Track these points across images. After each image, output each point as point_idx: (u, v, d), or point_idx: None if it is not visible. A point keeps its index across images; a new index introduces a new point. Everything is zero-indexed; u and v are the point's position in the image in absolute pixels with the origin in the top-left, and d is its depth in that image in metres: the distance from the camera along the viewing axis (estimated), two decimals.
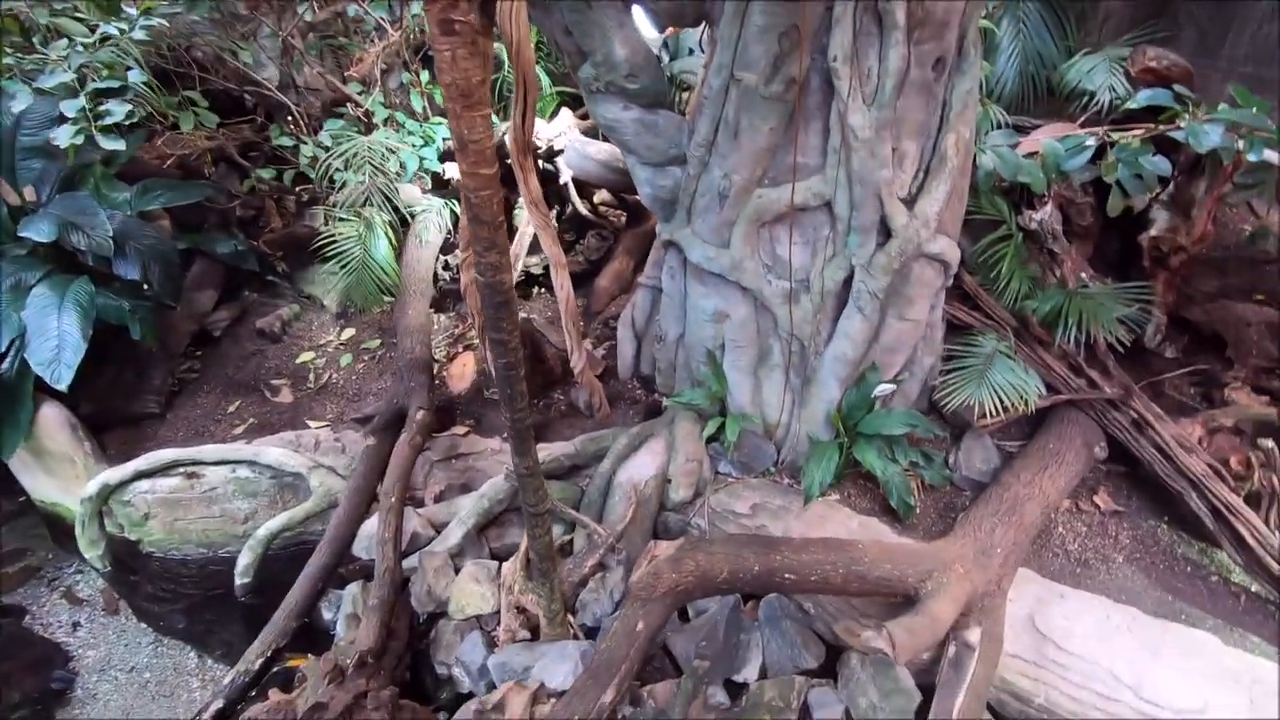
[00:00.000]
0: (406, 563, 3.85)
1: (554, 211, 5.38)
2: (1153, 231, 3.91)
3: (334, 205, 4.77)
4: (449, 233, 5.56)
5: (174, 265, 4.70)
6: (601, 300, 5.22)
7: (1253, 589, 3.17)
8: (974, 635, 2.96)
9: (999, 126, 4.05)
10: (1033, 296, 3.84)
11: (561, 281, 3.68)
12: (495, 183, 1.87)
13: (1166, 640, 2.97)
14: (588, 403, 4.38)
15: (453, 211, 5.50)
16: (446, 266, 5.60)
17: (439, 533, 3.98)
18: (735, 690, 3.36)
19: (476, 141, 1.76)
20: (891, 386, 3.49)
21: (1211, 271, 4.53)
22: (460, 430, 4.47)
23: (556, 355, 4.88)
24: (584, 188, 5.38)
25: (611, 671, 2.58)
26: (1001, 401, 3.56)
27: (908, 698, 3.08)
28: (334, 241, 4.85)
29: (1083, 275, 3.84)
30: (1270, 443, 3.02)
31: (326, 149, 4.74)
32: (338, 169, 4.64)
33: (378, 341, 5.26)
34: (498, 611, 3.45)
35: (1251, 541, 2.99)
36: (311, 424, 4.65)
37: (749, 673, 3.36)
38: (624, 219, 5.50)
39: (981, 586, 2.97)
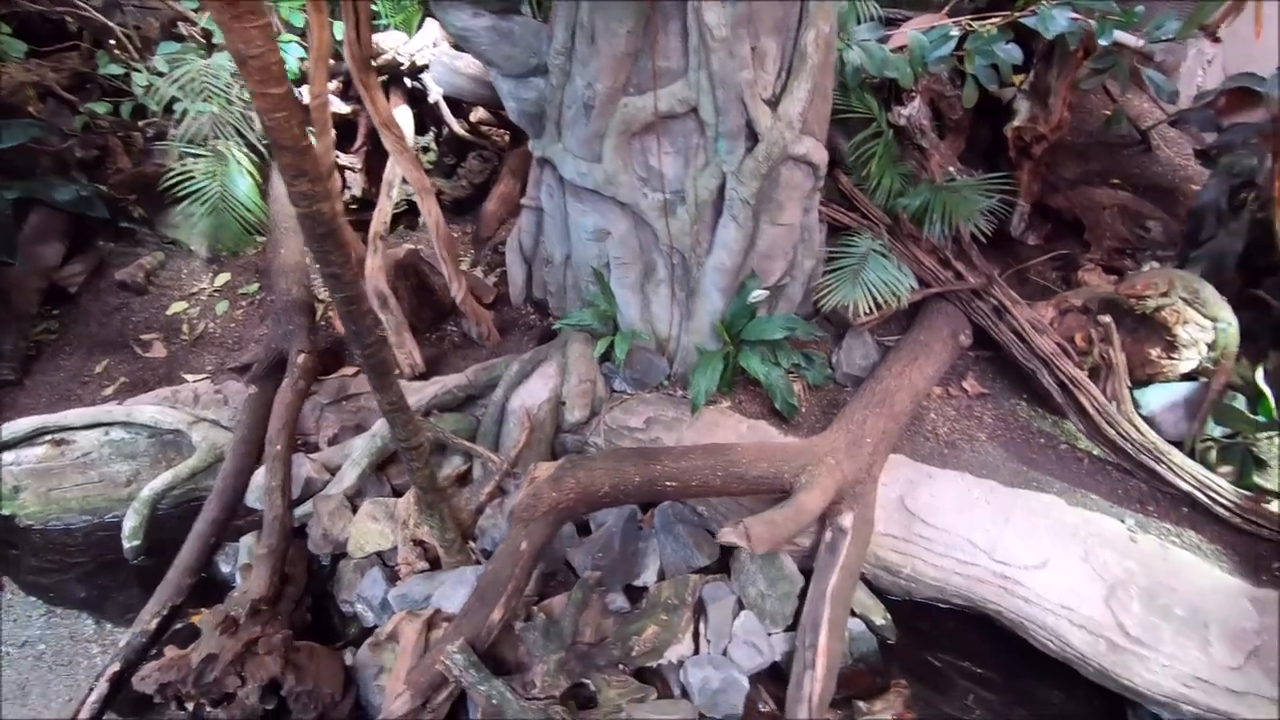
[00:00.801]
0: (304, 508, 3.81)
1: (430, 134, 5.09)
2: (1015, 122, 4.01)
3: (178, 139, 4.36)
4: None
5: (4, 216, 4.25)
6: (490, 225, 5.05)
7: (1095, 453, 3.48)
8: (847, 520, 3.16)
9: (867, 20, 3.99)
10: (906, 194, 3.92)
11: (429, 208, 3.52)
12: (290, 103, 1.72)
13: (1017, 506, 3.25)
14: (479, 332, 4.31)
15: None
16: None
17: (335, 475, 3.92)
18: (636, 594, 3.53)
19: (256, 56, 1.59)
20: (765, 292, 3.55)
21: (1073, 158, 4.72)
22: (349, 371, 4.34)
23: (446, 286, 4.75)
24: (459, 106, 5.08)
25: (498, 590, 2.65)
26: (876, 299, 3.68)
27: (791, 582, 3.31)
28: (185, 179, 4.46)
29: (950, 170, 3.93)
30: (1108, 318, 3.25)
31: (161, 75, 4.28)
32: (177, 97, 4.21)
33: (256, 285, 4.98)
34: (397, 547, 3.47)
35: (1091, 411, 3.26)
36: (189, 377, 4.42)
37: (648, 577, 3.53)
38: (507, 138, 5.25)
39: (852, 475, 3.16)
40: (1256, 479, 3.22)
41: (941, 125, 4.22)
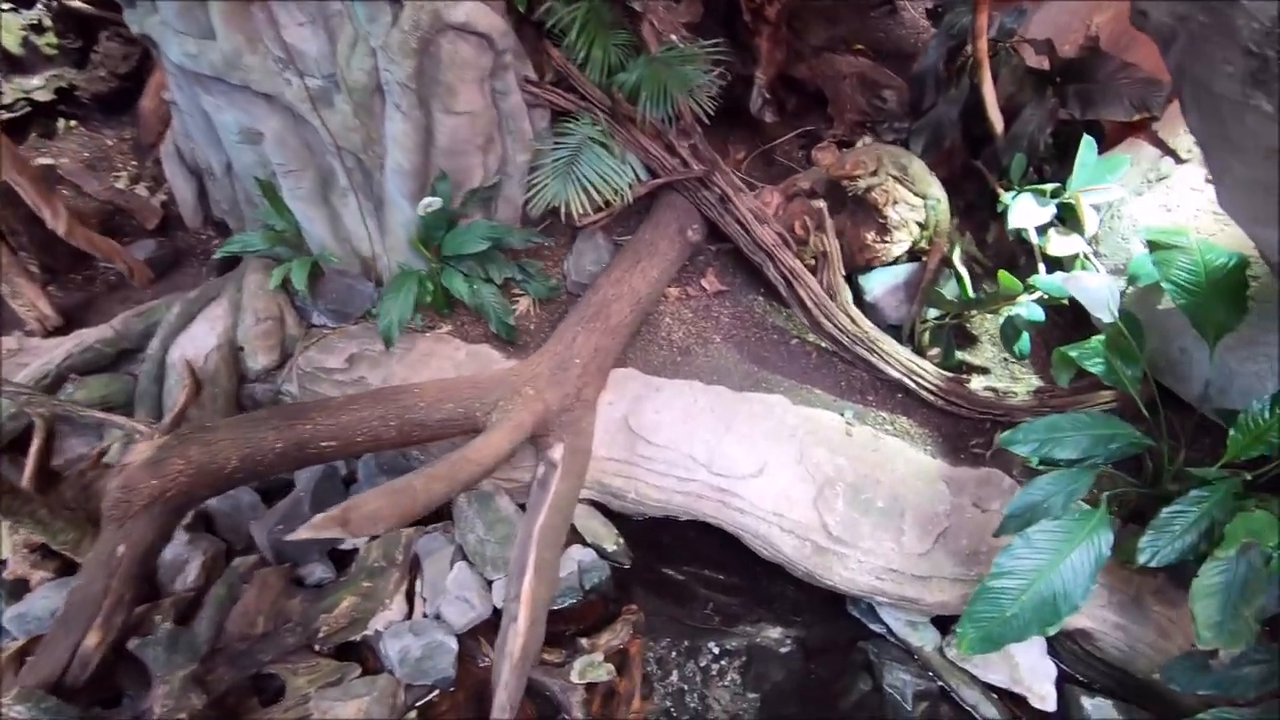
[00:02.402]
0: None
1: (38, 6, 3.87)
2: None
3: None
4: None
5: None
6: (152, 128, 4.02)
7: (823, 345, 3.37)
8: (557, 452, 2.86)
9: None
10: (626, 69, 3.41)
11: None
12: None
13: (740, 412, 3.08)
14: (125, 270, 3.46)
15: None
16: None
17: None
18: (348, 559, 3.13)
19: None
20: (436, 200, 2.98)
21: (822, 23, 4.36)
22: None
23: (100, 210, 3.78)
24: None
25: (90, 610, 2.12)
26: (590, 195, 3.23)
27: (510, 524, 3.01)
28: None
29: (673, 38, 3.44)
30: (820, 203, 3.02)
31: None
32: None
33: None
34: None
35: (810, 304, 3.09)
36: None
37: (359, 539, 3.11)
38: None
39: (558, 403, 2.82)
40: (967, 356, 3.24)
41: None
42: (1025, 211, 2.68)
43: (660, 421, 3.07)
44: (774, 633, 3.14)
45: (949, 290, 3.01)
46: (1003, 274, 2.71)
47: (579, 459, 2.87)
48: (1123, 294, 2.58)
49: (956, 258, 2.96)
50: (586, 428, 2.93)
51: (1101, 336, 2.35)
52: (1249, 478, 2.18)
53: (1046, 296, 2.66)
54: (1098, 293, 2.13)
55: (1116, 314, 2.11)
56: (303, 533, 1.86)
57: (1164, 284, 2.18)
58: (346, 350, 3.34)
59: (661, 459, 3.00)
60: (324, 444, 2.45)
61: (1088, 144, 2.63)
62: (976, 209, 3.64)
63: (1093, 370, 2.26)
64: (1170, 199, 2.55)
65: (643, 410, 3.11)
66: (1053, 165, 3.29)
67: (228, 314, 3.25)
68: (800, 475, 2.90)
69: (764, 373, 3.32)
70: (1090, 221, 2.60)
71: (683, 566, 3.32)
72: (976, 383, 2.99)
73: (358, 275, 3.46)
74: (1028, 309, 2.68)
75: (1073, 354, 2.29)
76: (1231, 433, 2.15)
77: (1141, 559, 2.21)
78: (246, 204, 3.47)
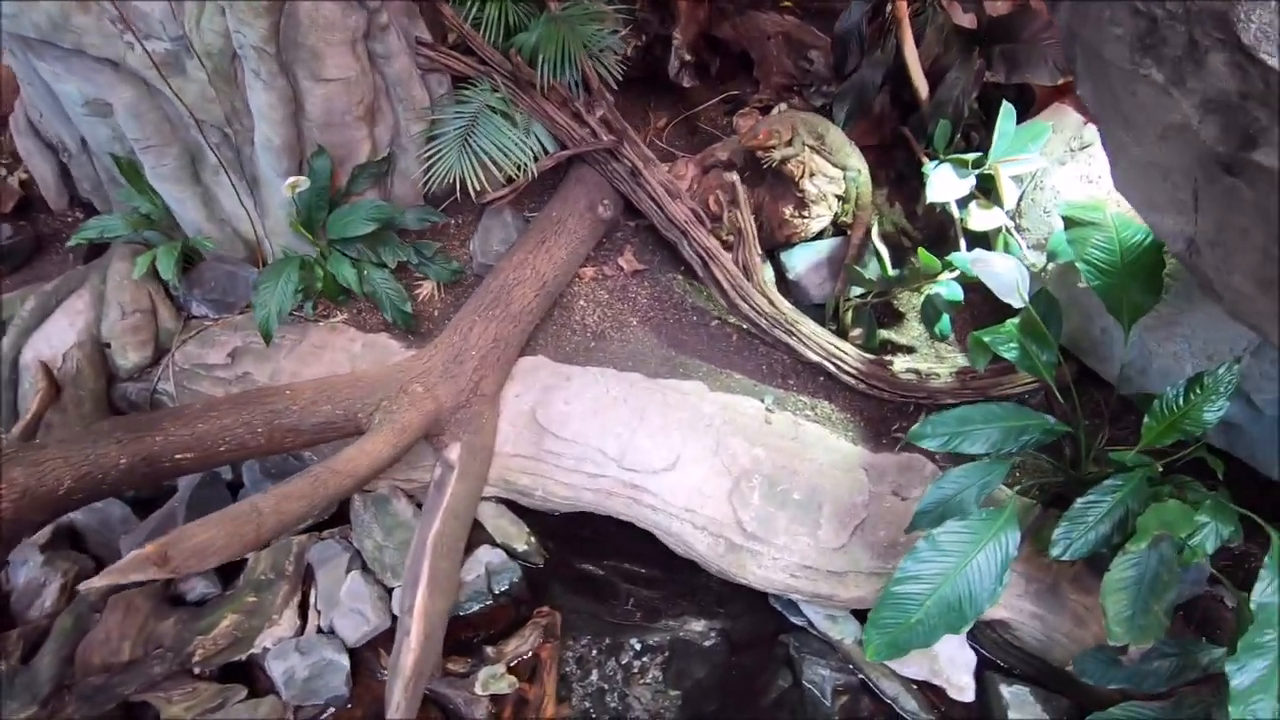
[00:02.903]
0: None
1: None
2: None
3: None
4: None
5: None
6: (11, 93, 3.61)
7: (744, 327, 3.20)
8: (454, 452, 2.66)
9: None
10: (527, 29, 3.12)
11: None
12: None
13: (655, 402, 2.91)
14: None
15: None
16: None
17: None
18: (238, 570, 2.90)
19: None
20: (304, 180, 2.69)
21: None
22: None
23: None
24: None
25: None
26: (490, 170, 2.98)
27: (409, 529, 2.81)
28: None
29: None
30: (733, 176, 2.82)
31: None
32: None
33: None
34: None
35: (725, 285, 2.90)
36: None
37: None
38: None
39: (451, 400, 2.61)
40: (892, 335, 3.11)
41: None
42: (944, 184, 2.52)
43: (570, 413, 2.89)
44: (697, 626, 3.02)
45: (870, 268, 2.85)
46: (922, 252, 2.55)
47: (478, 459, 2.67)
48: (1043, 271, 2.45)
49: (875, 234, 2.79)
50: (487, 424, 2.73)
51: (1016, 319, 2.21)
52: (1160, 467, 2.09)
53: (966, 275, 2.52)
54: (1005, 276, 1.98)
55: (1027, 298, 1.97)
56: (101, 580, 1.63)
57: (1078, 264, 2.04)
58: (229, 344, 3.07)
59: (570, 454, 2.82)
60: (179, 457, 2.21)
61: (1006, 112, 2.47)
62: (907, 178, 3.47)
63: (1006, 356, 2.13)
64: (1092, 169, 2.40)
65: (551, 402, 2.92)
66: (980, 132, 3.12)
67: (90, 307, 2.95)
68: (716, 468, 2.75)
69: (682, 357, 3.14)
70: (1010, 194, 2.44)
71: (603, 561, 3.16)
72: (900, 364, 2.85)
73: (241, 261, 3.17)
74: (947, 288, 2.53)
75: (985, 339, 2.16)
76: (1146, 419, 2.04)
77: (1054, 552, 2.11)
78: (111, 184, 3.13)
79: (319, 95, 2.62)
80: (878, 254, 2.72)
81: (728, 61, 3.90)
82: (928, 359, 3.06)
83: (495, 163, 2.97)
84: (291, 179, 2.62)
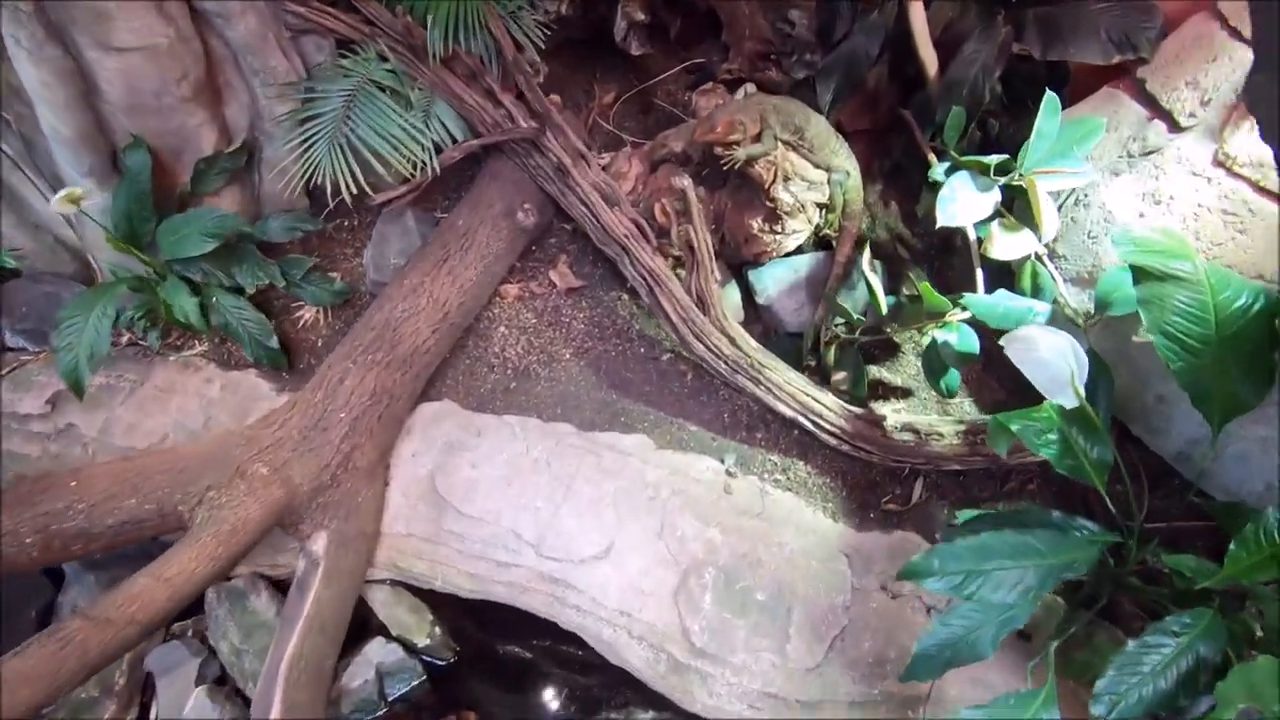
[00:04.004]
0: None
1: None
2: None
3: None
4: None
5: None
6: None
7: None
8: (319, 543, 2.05)
9: None
10: None
11: None
12: None
13: (587, 464, 2.31)
14: None
15: None
16: None
17: None
18: None
19: None
20: (84, 193, 1.99)
21: None
22: None
23: None
24: None
25: None
26: (370, 164, 2.30)
27: (270, 630, 2.24)
28: None
29: None
30: (684, 181, 2.17)
31: None
32: None
33: None
34: None
35: (675, 317, 2.28)
36: None
37: None
38: None
39: (310, 480, 2.00)
40: (883, 373, 2.51)
41: None
42: (959, 201, 1.89)
43: (478, 481, 2.29)
44: (644, 718, 2.51)
45: (855, 298, 2.23)
46: (925, 287, 1.94)
47: (353, 550, 2.07)
48: (1088, 321, 1.85)
49: (865, 261, 2.17)
50: (365, 504, 2.12)
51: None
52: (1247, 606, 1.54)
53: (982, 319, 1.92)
54: (1054, 366, 1.38)
55: (1083, 393, 1.38)
56: None
57: (1153, 336, 1.45)
58: (49, 386, 2.42)
59: (476, 536, 2.23)
60: None
61: (1049, 105, 1.83)
62: (905, 171, 2.83)
63: (1044, 454, 1.55)
64: (1160, 186, 1.78)
65: (456, 466, 2.32)
66: (1001, 120, 2.48)
67: None
68: (659, 556, 2.18)
69: (624, 401, 2.54)
70: (1050, 221, 1.82)
71: (530, 641, 2.61)
72: (893, 417, 2.26)
73: (66, 279, 2.50)
74: (958, 335, 1.94)
75: (1014, 427, 1.57)
76: (1233, 547, 1.48)
77: (1097, 711, 1.57)
78: None
79: (113, 70, 1.92)
80: (869, 288, 2.11)
81: (691, 22, 3.17)
82: (927, 407, 2.48)
83: (379, 156, 2.30)
84: (64, 192, 1.93)
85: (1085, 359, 1.39)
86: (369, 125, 2.28)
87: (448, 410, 2.45)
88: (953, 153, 2.27)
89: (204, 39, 2.11)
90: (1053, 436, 1.55)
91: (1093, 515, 1.78)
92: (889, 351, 2.58)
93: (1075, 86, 2.42)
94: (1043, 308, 1.78)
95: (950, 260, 2.83)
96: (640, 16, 2.89)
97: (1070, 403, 1.37)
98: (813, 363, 2.53)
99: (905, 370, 2.58)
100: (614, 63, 3.17)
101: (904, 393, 2.53)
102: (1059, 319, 1.78)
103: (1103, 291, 1.72)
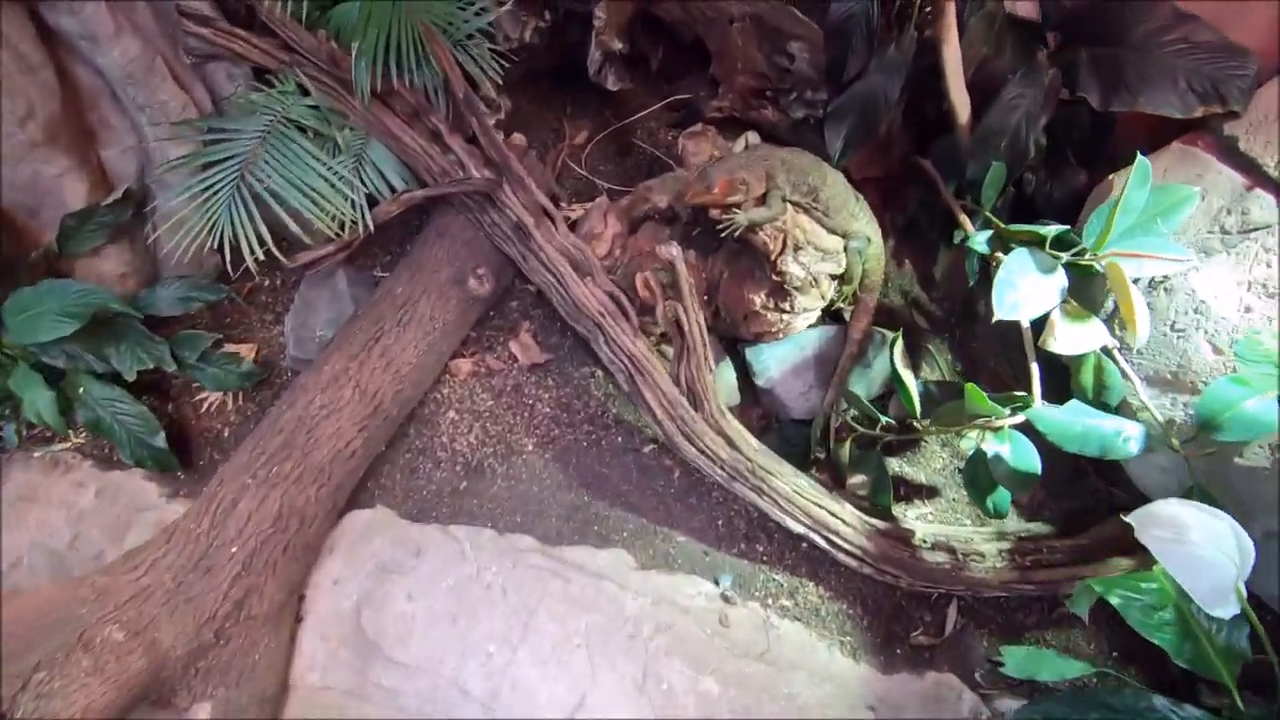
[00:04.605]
0: None
1: None
2: None
3: None
4: None
5: None
6: None
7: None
8: (202, 713, 1.60)
9: None
10: None
11: None
12: None
13: (552, 592, 1.87)
14: None
15: None
16: None
17: None
18: None
19: None
20: None
21: None
22: None
23: None
24: None
25: None
26: (261, 226, 1.86)
27: None
28: None
29: None
30: (674, 250, 1.77)
31: None
32: None
33: None
34: None
35: (661, 413, 1.87)
36: None
37: None
38: None
39: (185, 643, 1.53)
40: (904, 467, 2.12)
41: None
42: (1022, 291, 1.50)
43: (415, 617, 1.84)
44: None
45: (871, 378, 1.84)
46: (971, 389, 1.56)
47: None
48: (1178, 440, 1.47)
49: (898, 354, 1.78)
50: (266, 660, 1.65)
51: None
52: None
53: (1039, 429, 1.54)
54: (1213, 566, 1.00)
55: (1245, 598, 1.01)
56: None
57: None
58: None
59: (411, 690, 1.78)
60: None
61: (1140, 173, 1.46)
62: (919, 227, 2.48)
63: (1157, 639, 1.17)
64: (1274, 274, 1.43)
65: (388, 596, 1.86)
66: (1038, 175, 2.14)
67: None
68: (641, 710, 1.75)
69: (599, 505, 2.11)
70: (1141, 318, 1.43)
71: None
72: (921, 529, 1.87)
73: None
74: (1013, 449, 1.56)
75: (1114, 600, 1.19)
76: None
77: None
78: None
79: None
80: (900, 379, 1.72)
81: (675, 53, 2.81)
82: (957, 509, 2.10)
83: (294, 212, 1.86)
84: None
85: (1250, 547, 1.01)
86: (283, 174, 1.84)
87: (381, 521, 2.00)
88: (991, 216, 1.91)
89: (63, 68, 1.67)
90: (1168, 617, 1.17)
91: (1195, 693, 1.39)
92: (909, 442, 2.20)
93: (1121, 134, 2.10)
94: (1134, 430, 1.41)
95: (973, 330, 2.48)
96: (618, 46, 2.51)
97: (1230, 612, 1.00)
98: (822, 454, 2.13)
99: (929, 464, 2.19)
100: (587, 98, 2.78)
101: (929, 492, 2.14)
102: (1152, 439, 1.41)
103: (1209, 409, 1.35)
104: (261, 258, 1.84)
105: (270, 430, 1.76)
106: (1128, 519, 1.14)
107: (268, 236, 1.84)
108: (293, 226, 1.88)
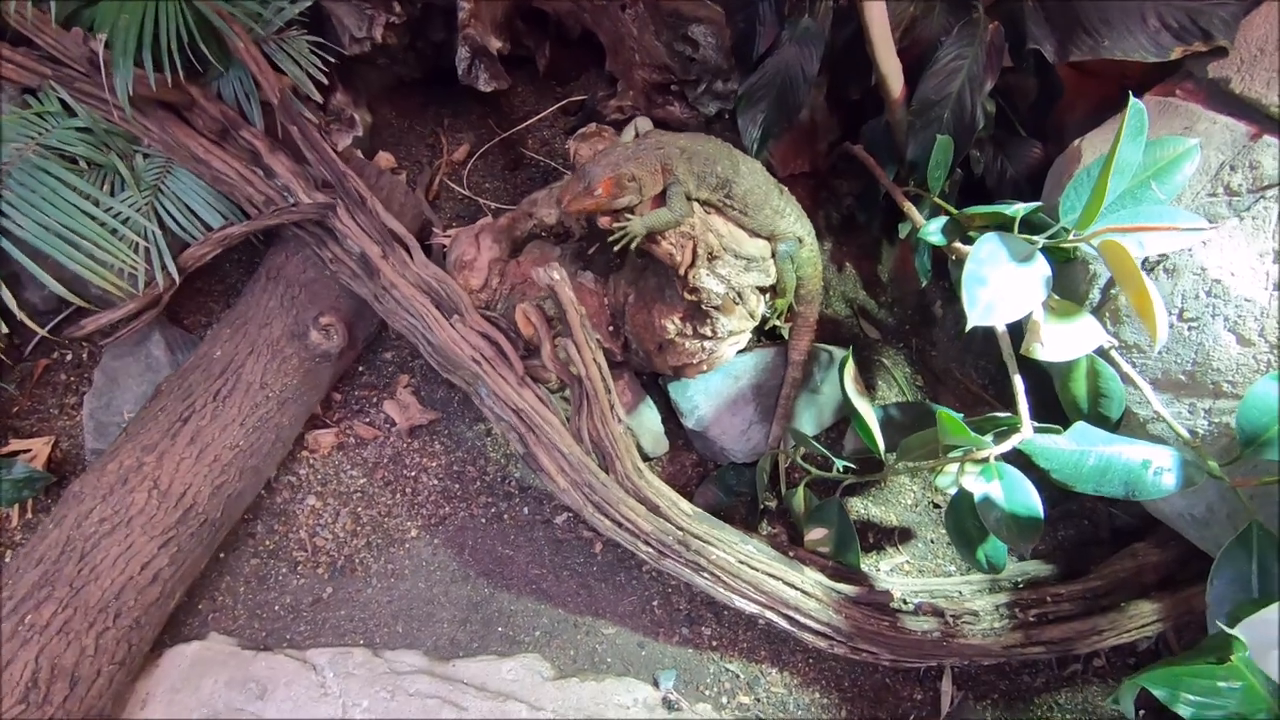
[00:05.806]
0: None
1: None
2: None
3: None
4: None
5: None
6: None
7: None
8: None
9: None
10: None
11: None
12: None
13: None
14: None
15: None
16: None
17: None
18: None
19: None
20: None
21: None
22: None
23: None
24: None
25: None
26: (58, 276, 1.42)
27: None
28: None
29: None
30: (554, 273, 1.38)
31: None
32: None
33: None
34: None
35: (561, 478, 1.47)
36: None
37: None
38: None
39: None
40: (870, 507, 1.77)
41: None
42: (995, 287, 1.16)
43: None
44: None
45: (821, 405, 1.49)
46: (945, 415, 1.22)
47: None
48: (1226, 464, 1.15)
49: (849, 379, 1.43)
50: None
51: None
52: None
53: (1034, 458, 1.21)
54: None
55: None
56: None
57: None
58: None
59: None
60: None
61: (1134, 120, 1.13)
62: (857, 223, 2.17)
63: None
64: None
65: None
66: (987, 152, 1.84)
67: None
68: None
69: (504, 597, 1.68)
70: (1160, 311, 1.11)
71: None
72: (899, 586, 1.52)
73: None
74: (1004, 487, 1.22)
75: (1184, 711, 0.83)
76: None
77: None
78: None
79: None
80: (858, 415, 1.37)
81: (565, 50, 2.46)
82: (937, 553, 1.75)
83: (49, 264, 1.41)
84: None
85: None
86: (36, 218, 1.40)
87: (213, 655, 1.53)
88: (940, 201, 1.59)
89: None
90: (1218, 709, 0.83)
91: None
92: (868, 464, 1.85)
93: (1071, 92, 1.82)
94: (1166, 458, 1.08)
95: (930, 336, 2.17)
96: (493, 43, 2.15)
97: None
98: (773, 503, 1.76)
99: (899, 499, 1.84)
100: (468, 107, 2.41)
101: (903, 535, 1.79)
102: (1189, 468, 1.08)
103: (1253, 420, 1.04)
104: (4, 330, 1.38)
105: (25, 564, 1.28)
106: (1239, 635, 0.80)
107: (13, 305, 1.38)
108: (54, 287, 1.42)
